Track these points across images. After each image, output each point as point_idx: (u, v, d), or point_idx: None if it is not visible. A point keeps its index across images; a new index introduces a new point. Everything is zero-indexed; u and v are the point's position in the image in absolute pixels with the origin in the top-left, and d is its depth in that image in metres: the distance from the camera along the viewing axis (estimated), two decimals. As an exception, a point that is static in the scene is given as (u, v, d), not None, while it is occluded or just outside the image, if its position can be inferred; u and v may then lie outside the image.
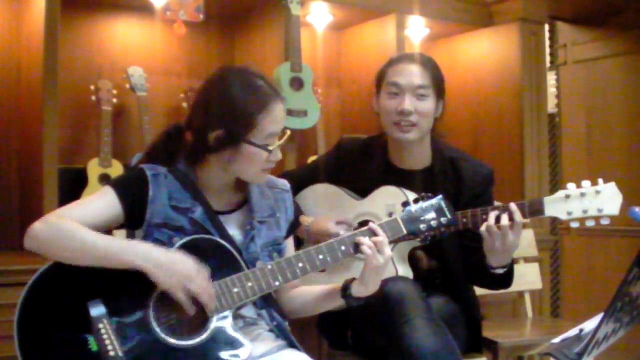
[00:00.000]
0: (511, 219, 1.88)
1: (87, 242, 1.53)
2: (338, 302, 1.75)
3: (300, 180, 2.27)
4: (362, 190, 2.17)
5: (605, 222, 1.86)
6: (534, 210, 1.91)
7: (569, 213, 1.88)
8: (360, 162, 2.21)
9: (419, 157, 2.17)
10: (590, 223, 1.89)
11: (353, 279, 1.70)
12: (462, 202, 2.07)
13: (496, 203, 2.05)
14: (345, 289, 1.71)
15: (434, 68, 2.14)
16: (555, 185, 4.45)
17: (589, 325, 1.47)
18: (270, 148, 1.66)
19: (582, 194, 1.87)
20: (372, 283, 1.67)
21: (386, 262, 1.64)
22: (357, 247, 1.65)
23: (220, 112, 1.65)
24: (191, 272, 1.53)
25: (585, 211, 1.86)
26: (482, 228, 1.89)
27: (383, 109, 2.13)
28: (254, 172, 1.69)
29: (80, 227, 1.56)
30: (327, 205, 2.22)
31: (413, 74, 2.09)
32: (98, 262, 1.53)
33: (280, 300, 1.81)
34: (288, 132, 1.74)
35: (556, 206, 1.89)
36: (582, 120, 4.45)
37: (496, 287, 2.13)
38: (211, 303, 1.55)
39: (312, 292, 1.80)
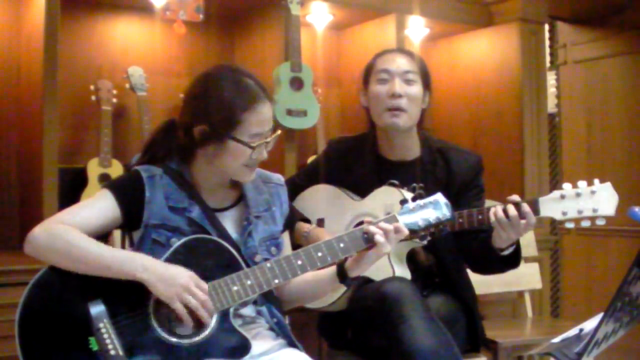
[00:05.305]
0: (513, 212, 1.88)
1: (89, 252, 1.55)
2: (334, 285, 1.76)
3: (299, 187, 2.31)
4: (356, 186, 2.19)
5: (600, 222, 1.85)
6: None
7: (564, 213, 1.87)
8: (351, 159, 2.24)
9: (409, 148, 2.20)
10: (585, 224, 1.87)
11: (345, 260, 1.71)
12: (453, 191, 2.10)
13: (494, 202, 2.05)
14: (341, 272, 1.72)
15: (420, 60, 2.23)
16: (556, 185, 4.45)
17: (589, 325, 1.47)
18: (253, 145, 1.65)
19: (578, 194, 1.86)
20: (370, 264, 1.70)
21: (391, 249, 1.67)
22: (367, 238, 1.65)
23: (206, 107, 1.66)
24: (190, 285, 1.53)
25: (580, 211, 1.85)
26: (492, 219, 1.90)
27: (374, 96, 2.17)
28: (238, 168, 1.68)
29: (82, 236, 1.57)
30: (326, 206, 2.23)
31: (401, 61, 2.18)
32: (99, 272, 1.55)
33: (281, 291, 1.82)
34: (278, 132, 1.73)
35: (551, 206, 1.88)
36: (582, 120, 4.45)
37: (506, 267, 2.10)
38: (208, 318, 1.55)
39: (308, 279, 1.80)
